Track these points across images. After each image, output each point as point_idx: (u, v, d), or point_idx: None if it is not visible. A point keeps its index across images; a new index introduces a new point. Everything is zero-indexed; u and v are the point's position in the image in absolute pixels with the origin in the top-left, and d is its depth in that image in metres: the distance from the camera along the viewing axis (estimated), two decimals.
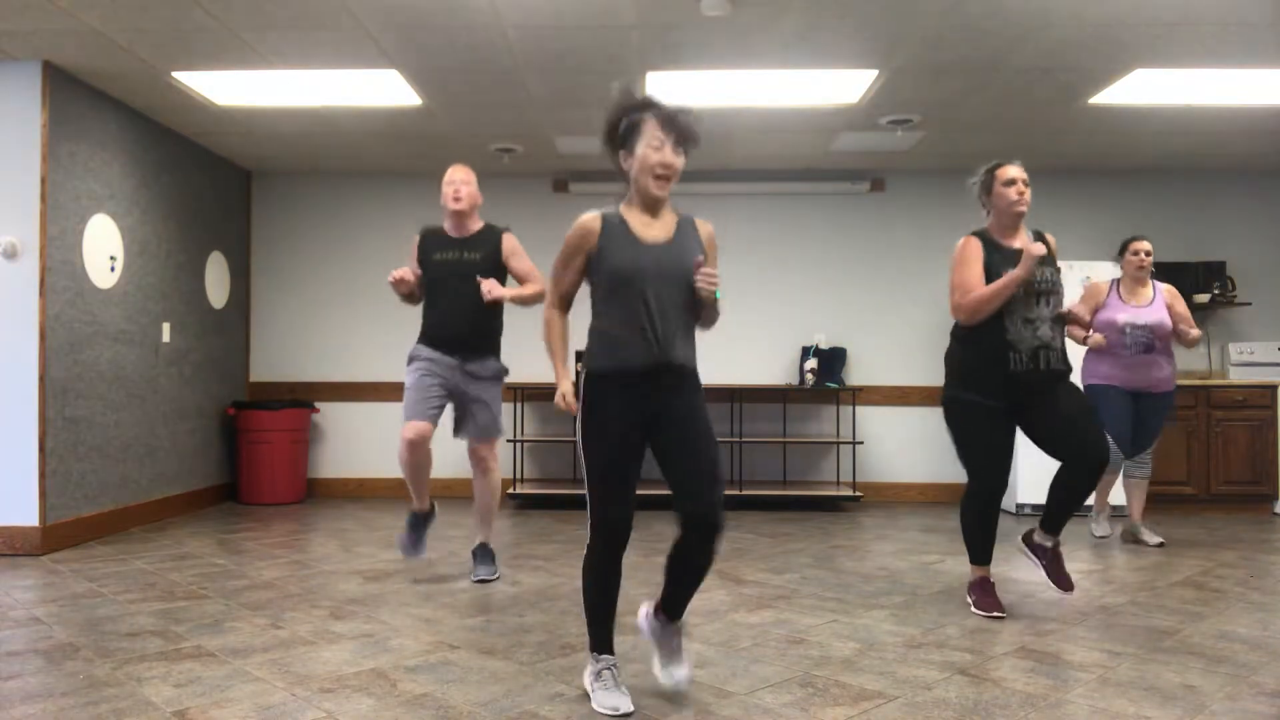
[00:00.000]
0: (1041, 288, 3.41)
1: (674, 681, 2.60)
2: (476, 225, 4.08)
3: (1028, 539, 3.65)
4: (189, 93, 5.12)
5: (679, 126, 2.47)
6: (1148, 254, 4.88)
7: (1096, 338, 4.75)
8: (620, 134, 2.52)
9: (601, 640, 2.56)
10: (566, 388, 2.58)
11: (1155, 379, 4.85)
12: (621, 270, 2.47)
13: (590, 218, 2.55)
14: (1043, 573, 3.59)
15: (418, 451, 3.89)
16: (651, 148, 2.46)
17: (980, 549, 3.61)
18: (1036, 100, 5.24)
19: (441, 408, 3.98)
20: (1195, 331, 4.83)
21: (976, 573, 3.65)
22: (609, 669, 2.53)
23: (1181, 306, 4.93)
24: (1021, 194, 3.46)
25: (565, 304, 2.66)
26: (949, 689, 2.68)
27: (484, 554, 4.17)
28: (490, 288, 3.82)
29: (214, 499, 6.48)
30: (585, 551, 2.55)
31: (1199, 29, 4.18)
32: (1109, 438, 4.93)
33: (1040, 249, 3.32)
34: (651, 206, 2.55)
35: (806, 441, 6.69)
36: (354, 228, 7.07)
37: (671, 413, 2.50)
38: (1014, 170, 3.50)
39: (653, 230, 2.54)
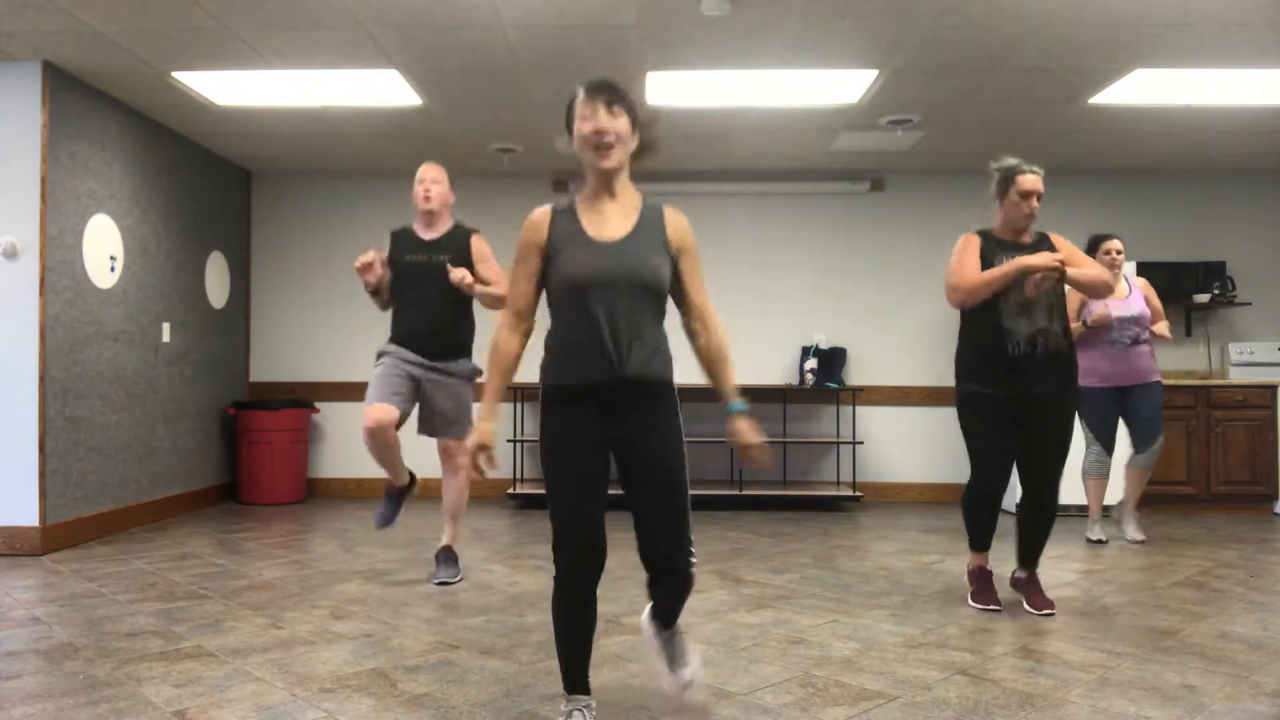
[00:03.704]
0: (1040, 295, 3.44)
1: (683, 681, 2.37)
2: (446, 225, 4.06)
3: (1012, 580, 3.76)
4: (189, 93, 5.12)
5: (607, 89, 2.24)
6: (1119, 252, 4.95)
7: (1100, 310, 4.77)
8: (566, 124, 2.32)
9: (574, 679, 2.29)
10: (483, 432, 2.25)
11: (1142, 369, 4.94)
12: (570, 279, 2.22)
13: (540, 212, 2.31)
14: (1025, 604, 3.64)
15: (379, 438, 3.78)
16: (582, 118, 2.22)
17: (978, 536, 3.67)
18: (1036, 100, 5.24)
19: (408, 398, 3.89)
20: (1165, 327, 5.04)
21: (975, 560, 3.73)
22: (580, 710, 2.26)
23: (1155, 300, 5.10)
24: (1033, 209, 3.47)
25: (519, 319, 2.32)
26: (949, 689, 2.68)
27: (447, 557, 4.11)
28: (461, 275, 3.78)
29: (214, 499, 6.48)
30: (552, 584, 2.26)
31: (1199, 29, 4.18)
32: (1093, 438, 4.98)
33: (1046, 266, 3.32)
34: (605, 187, 2.28)
35: (806, 441, 6.69)
36: (354, 228, 7.06)
37: (634, 441, 2.25)
38: (1032, 182, 3.45)
39: (608, 225, 2.26)
